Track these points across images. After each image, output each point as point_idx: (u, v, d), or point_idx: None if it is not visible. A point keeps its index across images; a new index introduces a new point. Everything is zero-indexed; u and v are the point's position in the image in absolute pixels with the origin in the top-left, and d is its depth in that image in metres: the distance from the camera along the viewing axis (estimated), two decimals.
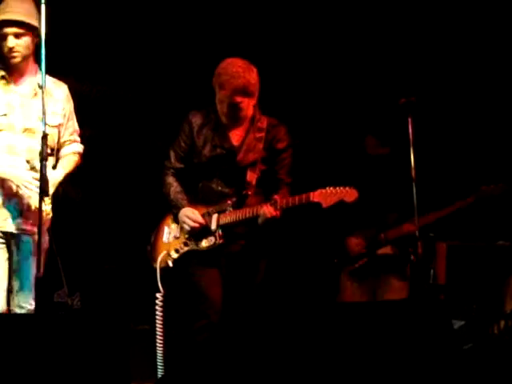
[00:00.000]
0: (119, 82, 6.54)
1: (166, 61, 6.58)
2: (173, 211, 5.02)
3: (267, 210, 4.72)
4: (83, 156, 4.96)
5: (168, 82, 6.63)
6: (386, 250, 5.74)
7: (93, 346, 3.84)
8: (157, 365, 4.94)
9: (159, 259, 4.95)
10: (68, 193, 6.16)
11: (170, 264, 4.93)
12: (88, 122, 6.25)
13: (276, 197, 4.76)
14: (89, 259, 6.19)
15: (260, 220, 4.78)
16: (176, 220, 5.01)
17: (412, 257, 5.01)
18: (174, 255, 4.96)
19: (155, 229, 5.15)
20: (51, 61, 4.00)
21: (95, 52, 6.38)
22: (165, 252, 4.97)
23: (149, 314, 5.14)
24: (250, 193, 4.93)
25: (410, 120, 4.77)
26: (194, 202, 5.00)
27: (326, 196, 4.64)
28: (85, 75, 6.39)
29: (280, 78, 6.55)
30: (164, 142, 5.84)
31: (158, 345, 4.93)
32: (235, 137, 5.00)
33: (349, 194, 4.64)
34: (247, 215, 4.82)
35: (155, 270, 4.94)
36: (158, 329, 4.91)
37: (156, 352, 4.94)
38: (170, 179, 5.02)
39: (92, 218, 6.33)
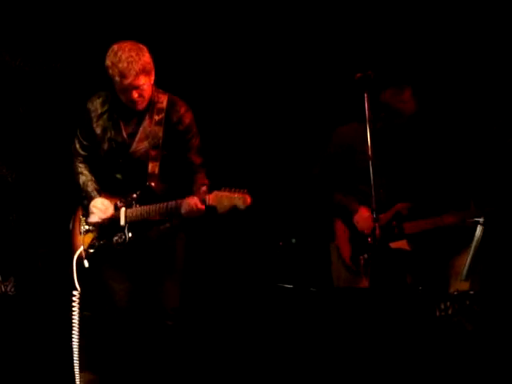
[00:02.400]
0: (55, 55, 6.25)
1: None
2: (84, 202, 4.84)
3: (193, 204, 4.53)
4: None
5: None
6: (401, 244, 5.42)
7: (26, 333, 3.72)
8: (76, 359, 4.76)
9: (75, 256, 4.75)
10: (1, 175, 5.97)
11: (86, 264, 4.73)
12: (22, 98, 6.06)
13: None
14: (22, 243, 5.93)
15: (183, 211, 4.57)
16: (87, 211, 4.82)
17: (369, 239, 4.87)
18: (90, 250, 4.78)
19: (74, 214, 4.95)
20: None
21: (28, 24, 6.15)
22: (81, 249, 4.77)
23: (89, 300, 4.95)
24: (153, 184, 4.70)
25: (366, 95, 4.60)
26: (102, 192, 4.82)
27: (220, 201, 4.44)
28: (19, 49, 6.14)
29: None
30: None
31: (74, 345, 4.73)
32: (129, 126, 4.76)
33: (242, 201, 4.40)
34: (157, 213, 4.64)
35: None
36: (74, 329, 4.72)
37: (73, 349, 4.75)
38: (79, 167, 4.86)
39: (25, 199, 6.06)
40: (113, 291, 4.81)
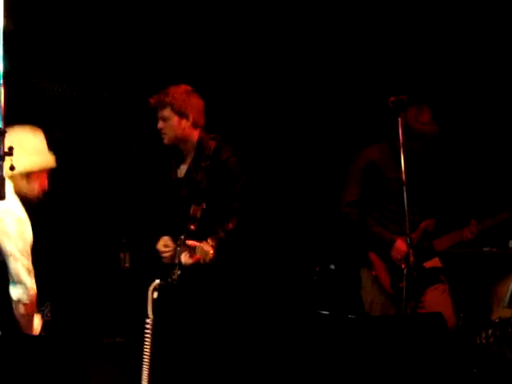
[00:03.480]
0: (92, 82, 6.30)
1: (139, 61, 6.37)
2: None
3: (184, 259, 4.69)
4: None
5: (139, 83, 6.44)
6: (434, 262, 5.30)
7: (62, 362, 3.69)
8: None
9: (151, 287, 4.77)
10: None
11: (155, 295, 4.74)
12: (59, 124, 6.09)
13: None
14: (59, 267, 5.94)
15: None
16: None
17: (403, 265, 4.79)
18: (161, 283, 4.80)
19: None
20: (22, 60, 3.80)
21: (68, 51, 6.22)
22: (157, 281, 4.78)
23: (123, 325, 4.94)
24: (192, 227, 4.74)
25: (400, 120, 4.55)
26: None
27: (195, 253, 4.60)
28: (57, 75, 6.20)
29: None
30: (140, 144, 5.68)
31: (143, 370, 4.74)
32: (182, 169, 4.93)
33: (204, 254, 4.53)
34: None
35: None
36: (145, 355, 4.73)
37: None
38: None
39: (62, 224, 6.08)
40: None
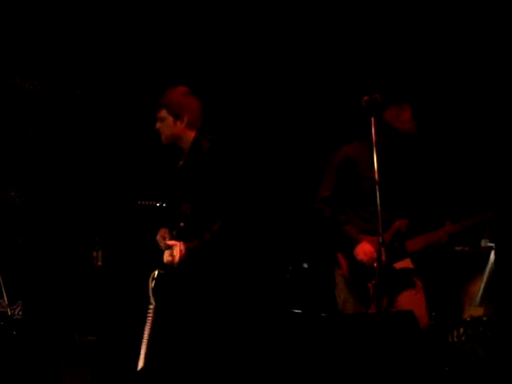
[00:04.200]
0: (64, 79, 6.26)
1: (114, 56, 6.35)
2: None
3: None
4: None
5: (113, 80, 6.42)
6: (406, 263, 5.22)
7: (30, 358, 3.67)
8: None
9: (154, 275, 4.87)
10: (9, 196, 5.96)
11: (152, 285, 4.85)
12: (31, 122, 6.06)
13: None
14: (30, 266, 5.90)
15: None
16: None
17: (375, 264, 4.79)
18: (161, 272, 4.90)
19: None
20: None
21: (41, 47, 6.15)
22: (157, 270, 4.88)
23: (95, 324, 4.92)
24: (182, 224, 4.84)
25: (372, 119, 4.55)
26: None
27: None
28: (29, 71, 6.15)
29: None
30: (113, 143, 5.66)
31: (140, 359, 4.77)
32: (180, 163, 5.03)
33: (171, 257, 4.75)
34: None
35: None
36: (143, 344, 4.77)
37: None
38: None
39: (34, 222, 6.04)
40: None
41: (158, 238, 4.95)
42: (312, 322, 4.72)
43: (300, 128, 6.71)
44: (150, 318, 4.83)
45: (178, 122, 4.88)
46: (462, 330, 5.81)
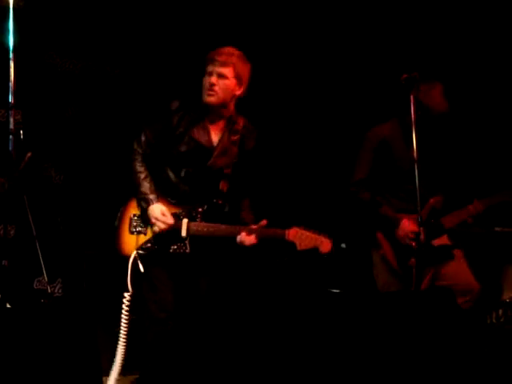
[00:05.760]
0: (105, 58, 6.29)
1: (155, 37, 6.35)
2: (141, 204, 4.66)
3: (247, 239, 4.60)
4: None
5: (157, 60, 6.42)
6: (443, 240, 5.31)
7: (70, 337, 3.69)
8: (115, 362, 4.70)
9: (131, 259, 4.62)
10: (50, 176, 5.98)
11: (142, 269, 4.61)
12: (71, 101, 6.09)
13: (254, 227, 4.62)
14: (69, 244, 5.94)
15: (238, 241, 4.66)
16: (143, 213, 4.68)
17: (413, 243, 4.80)
18: (141, 253, 4.64)
19: (120, 212, 4.79)
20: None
21: (80, 27, 6.14)
22: (135, 252, 4.63)
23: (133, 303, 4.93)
24: (220, 202, 4.71)
25: (412, 97, 4.53)
26: (159, 195, 4.69)
27: (301, 239, 4.57)
28: (69, 51, 6.15)
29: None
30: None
31: (120, 344, 4.66)
32: (213, 134, 4.73)
33: (324, 245, 4.57)
34: (221, 234, 4.64)
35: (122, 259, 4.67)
36: (122, 329, 4.63)
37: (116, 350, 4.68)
38: (140, 167, 4.67)
39: (74, 201, 6.08)
40: (157, 289, 4.69)
41: (158, 214, 4.60)
42: (351, 301, 4.73)
43: (331, 105, 6.69)
44: (126, 307, 4.62)
45: (237, 88, 4.63)
46: (501, 312, 5.76)
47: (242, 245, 4.61)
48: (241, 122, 4.74)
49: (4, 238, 3.63)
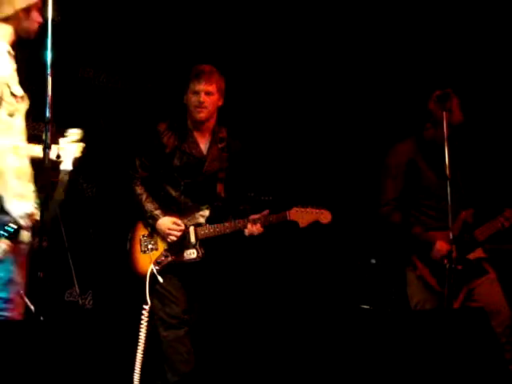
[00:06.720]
0: (136, 73, 6.36)
1: (182, 52, 6.40)
2: (149, 222, 5.03)
3: (255, 229, 4.91)
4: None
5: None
6: (478, 253, 5.28)
7: (102, 348, 3.71)
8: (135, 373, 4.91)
9: (148, 273, 4.93)
10: (81, 188, 6.03)
11: (161, 280, 4.94)
12: (103, 114, 6.12)
13: (256, 216, 4.94)
14: (102, 257, 5.96)
15: (248, 234, 4.96)
16: (153, 230, 5.03)
17: (445, 261, 4.76)
18: (158, 268, 4.97)
19: (129, 236, 5.13)
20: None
21: (114, 42, 6.26)
22: (151, 268, 4.95)
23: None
24: (220, 204, 5.05)
25: (444, 114, 4.53)
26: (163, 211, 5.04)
27: (302, 216, 4.90)
28: (102, 65, 6.27)
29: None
30: None
31: (138, 356, 4.89)
32: (202, 145, 5.12)
33: (324, 216, 4.93)
34: (227, 230, 4.96)
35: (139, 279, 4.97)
36: (140, 341, 4.89)
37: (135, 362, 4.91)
38: (139, 189, 5.06)
39: (105, 213, 6.10)
40: (165, 299, 4.99)
41: (171, 224, 4.94)
42: (381, 317, 4.71)
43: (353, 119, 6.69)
44: (144, 319, 4.87)
45: (220, 101, 5.03)
46: None
47: (252, 235, 4.91)
48: (223, 131, 5.15)
49: (40, 249, 3.64)
